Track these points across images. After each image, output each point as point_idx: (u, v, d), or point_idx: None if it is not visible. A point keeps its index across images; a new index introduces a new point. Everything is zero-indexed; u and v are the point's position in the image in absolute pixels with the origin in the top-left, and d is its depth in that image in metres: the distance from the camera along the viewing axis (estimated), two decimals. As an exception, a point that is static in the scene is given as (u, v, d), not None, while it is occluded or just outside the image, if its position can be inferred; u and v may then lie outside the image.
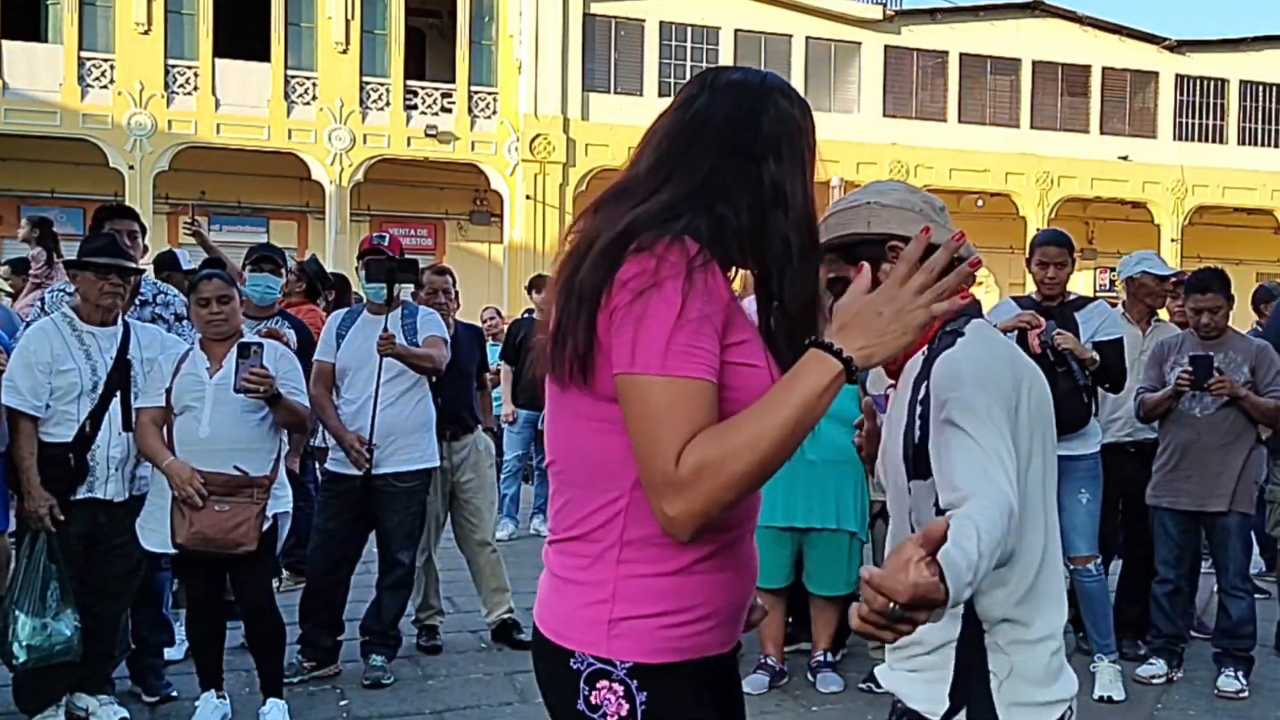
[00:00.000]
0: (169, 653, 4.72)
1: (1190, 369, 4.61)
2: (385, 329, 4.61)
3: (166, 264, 6.13)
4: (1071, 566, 4.78)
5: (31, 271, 6.92)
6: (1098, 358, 4.53)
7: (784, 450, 1.38)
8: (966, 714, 1.68)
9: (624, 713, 1.50)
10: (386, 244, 4.99)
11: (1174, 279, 5.51)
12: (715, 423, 1.40)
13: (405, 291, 5.06)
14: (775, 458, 1.38)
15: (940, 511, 1.58)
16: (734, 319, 1.49)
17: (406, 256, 5.01)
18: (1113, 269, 27.18)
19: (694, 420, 1.39)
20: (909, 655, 1.80)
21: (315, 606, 4.79)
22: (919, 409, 1.69)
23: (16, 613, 3.78)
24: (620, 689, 1.50)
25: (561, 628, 1.54)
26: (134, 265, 4.20)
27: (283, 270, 5.71)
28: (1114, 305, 5.30)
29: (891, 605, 1.21)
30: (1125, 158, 25.19)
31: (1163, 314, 5.78)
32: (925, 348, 1.74)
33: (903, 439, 1.75)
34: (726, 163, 1.55)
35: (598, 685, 1.51)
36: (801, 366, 1.39)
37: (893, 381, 1.85)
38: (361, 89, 21.96)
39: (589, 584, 1.52)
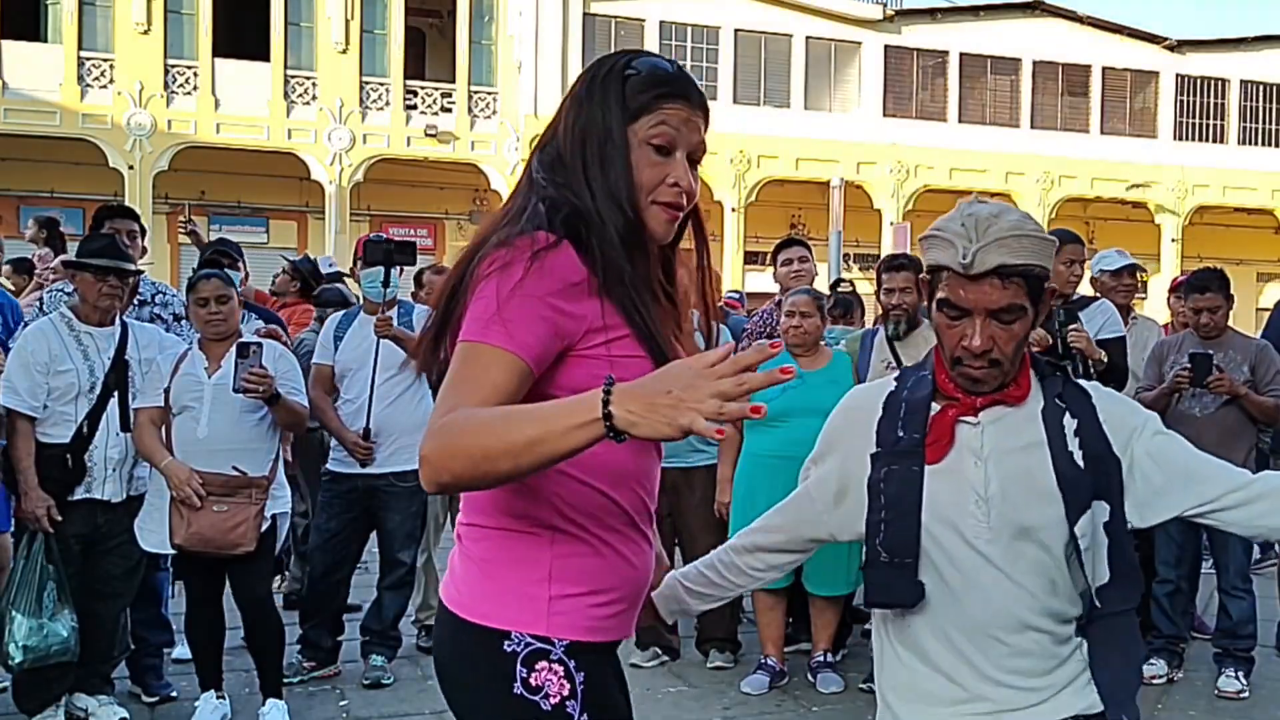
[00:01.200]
0: (176, 651, 4.72)
1: (1189, 366, 4.60)
2: (382, 311, 4.59)
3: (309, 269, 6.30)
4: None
5: (38, 271, 6.91)
6: (1105, 357, 4.53)
7: (507, 458, 1.31)
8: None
9: (565, 693, 1.50)
10: (383, 283, 5.01)
11: (1127, 270, 5.51)
12: (512, 394, 1.41)
13: (404, 291, 5.06)
14: (497, 460, 1.31)
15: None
16: (602, 306, 1.49)
17: (404, 239, 5.01)
18: (1113, 269, 27.28)
19: (482, 385, 1.39)
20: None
21: (315, 606, 4.78)
22: (1074, 440, 1.72)
23: (13, 613, 3.77)
24: (560, 669, 1.51)
25: (492, 609, 1.52)
26: (133, 267, 4.19)
27: (239, 264, 5.67)
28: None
29: None
30: (1137, 186, 25.19)
31: (1165, 315, 5.79)
32: (1033, 387, 1.78)
33: (1053, 469, 1.72)
34: (575, 159, 1.56)
35: (537, 666, 1.51)
36: (581, 396, 1.30)
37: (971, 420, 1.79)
38: (361, 89, 21.96)
39: (525, 563, 1.52)
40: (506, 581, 1.52)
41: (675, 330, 1.59)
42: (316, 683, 4.69)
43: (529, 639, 1.51)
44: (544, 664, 1.51)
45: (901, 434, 1.76)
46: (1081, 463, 1.72)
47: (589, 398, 1.28)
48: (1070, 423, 1.74)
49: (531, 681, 1.50)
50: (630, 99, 1.55)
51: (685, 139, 1.57)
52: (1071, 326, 4.51)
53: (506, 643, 1.51)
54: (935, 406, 1.78)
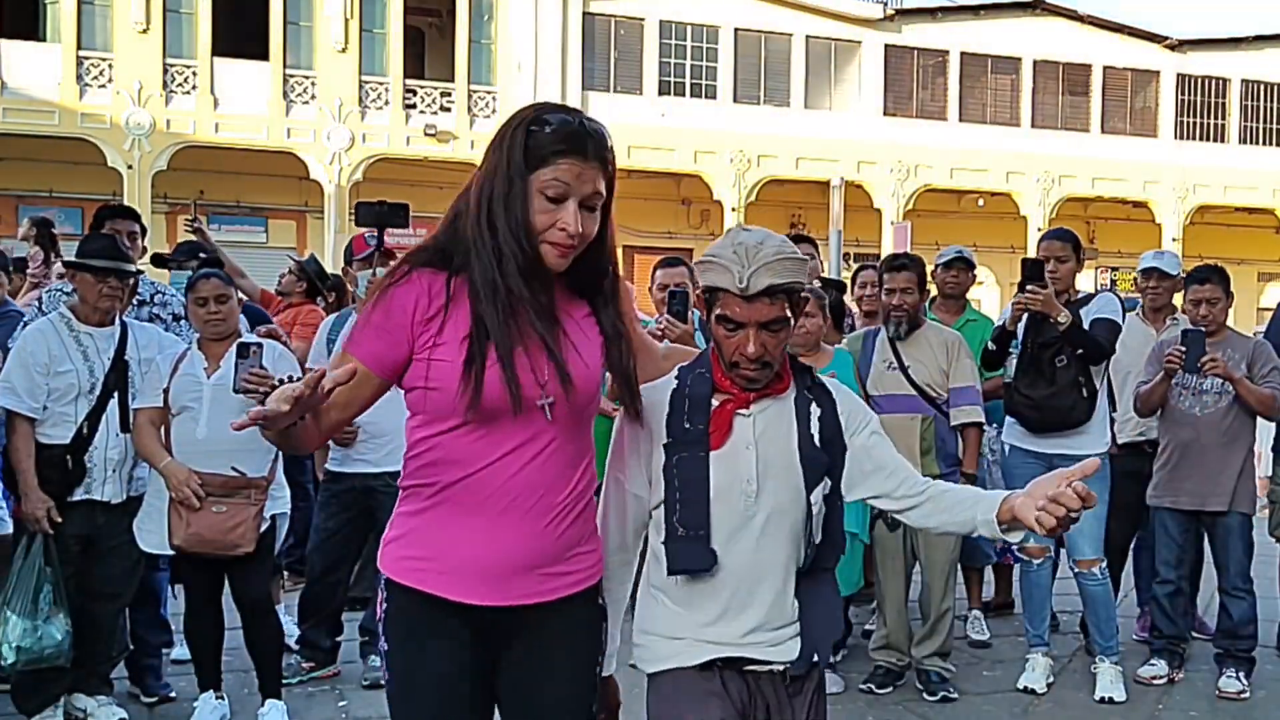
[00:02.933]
0: (175, 652, 4.71)
1: (1182, 347, 4.55)
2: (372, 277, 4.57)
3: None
4: (1076, 569, 4.77)
5: (30, 271, 6.91)
6: (1069, 316, 4.50)
7: None
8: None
9: (383, 609, 1.98)
10: (376, 245, 4.98)
11: (1155, 274, 5.42)
12: (346, 390, 1.83)
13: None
14: None
15: None
16: (444, 320, 1.86)
17: (397, 202, 5.03)
18: (1114, 268, 27.26)
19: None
20: None
21: (314, 607, 4.77)
22: (816, 424, 2.11)
23: (8, 613, 3.76)
24: (383, 593, 1.98)
25: None
26: (133, 268, 4.18)
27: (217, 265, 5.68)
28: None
29: None
30: (1139, 204, 25.19)
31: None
32: (792, 381, 2.14)
33: (797, 449, 2.10)
34: (482, 199, 1.90)
35: (379, 590, 2.00)
36: None
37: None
38: (361, 88, 21.96)
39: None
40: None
41: (550, 342, 1.88)
42: (316, 683, 4.68)
43: (380, 568, 2.00)
44: (380, 590, 1.99)
45: (689, 425, 2.06)
46: (819, 443, 2.09)
47: None
48: (815, 410, 2.10)
49: (378, 598, 2.01)
50: (531, 152, 1.84)
51: (577, 190, 1.85)
52: (1029, 286, 4.49)
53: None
54: (715, 401, 2.08)
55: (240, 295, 5.45)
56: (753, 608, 2.08)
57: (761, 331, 2.02)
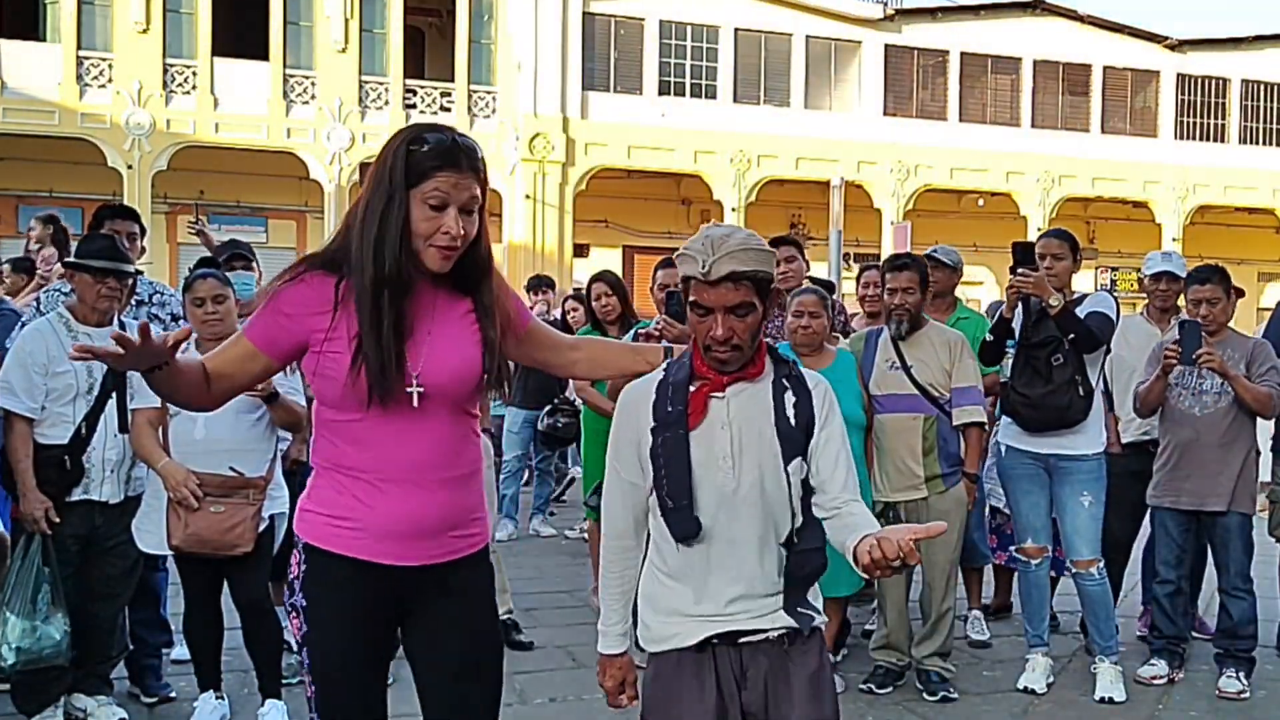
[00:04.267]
0: (175, 652, 4.71)
1: (1179, 340, 4.54)
2: None
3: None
4: (1073, 570, 4.76)
5: (40, 271, 6.89)
6: (1060, 300, 4.50)
7: None
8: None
9: (298, 572, 2.25)
10: None
11: (1166, 276, 5.42)
12: (234, 361, 2.20)
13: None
14: None
15: None
16: (334, 319, 2.13)
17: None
18: (1114, 268, 27.27)
19: (223, 354, 2.21)
20: None
21: None
22: (791, 409, 2.26)
23: (7, 614, 3.76)
24: (300, 556, 2.24)
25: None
26: (132, 269, 4.18)
27: (254, 265, 5.68)
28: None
29: None
30: (1139, 204, 25.13)
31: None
32: (767, 367, 2.29)
33: (775, 426, 2.26)
34: (369, 211, 2.16)
35: (295, 552, 2.26)
36: None
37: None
38: (361, 88, 21.95)
39: (309, 489, 2.26)
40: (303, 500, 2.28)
41: (422, 337, 2.17)
42: (315, 683, 4.66)
43: (296, 534, 2.26)
44: (295, 553, 2.25)
45: (670, 408, 2.23)
46: (793, 423, 2.24)
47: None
48: (790, 398, 2.26)
49: (292, 559, 2.26)
50: (412, 168, 2.09)
51: (456, 198, 2.12)
52: (1020, 270, 4.49)
53: (295, 537, 2.27)
54: (693, 386, 2.25)
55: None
56: (737, 577, 2.23)
57: (729, 316, 2.17)
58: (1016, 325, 4.74)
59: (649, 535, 2.33)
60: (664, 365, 2.34)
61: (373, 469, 2.17)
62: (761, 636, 2.25)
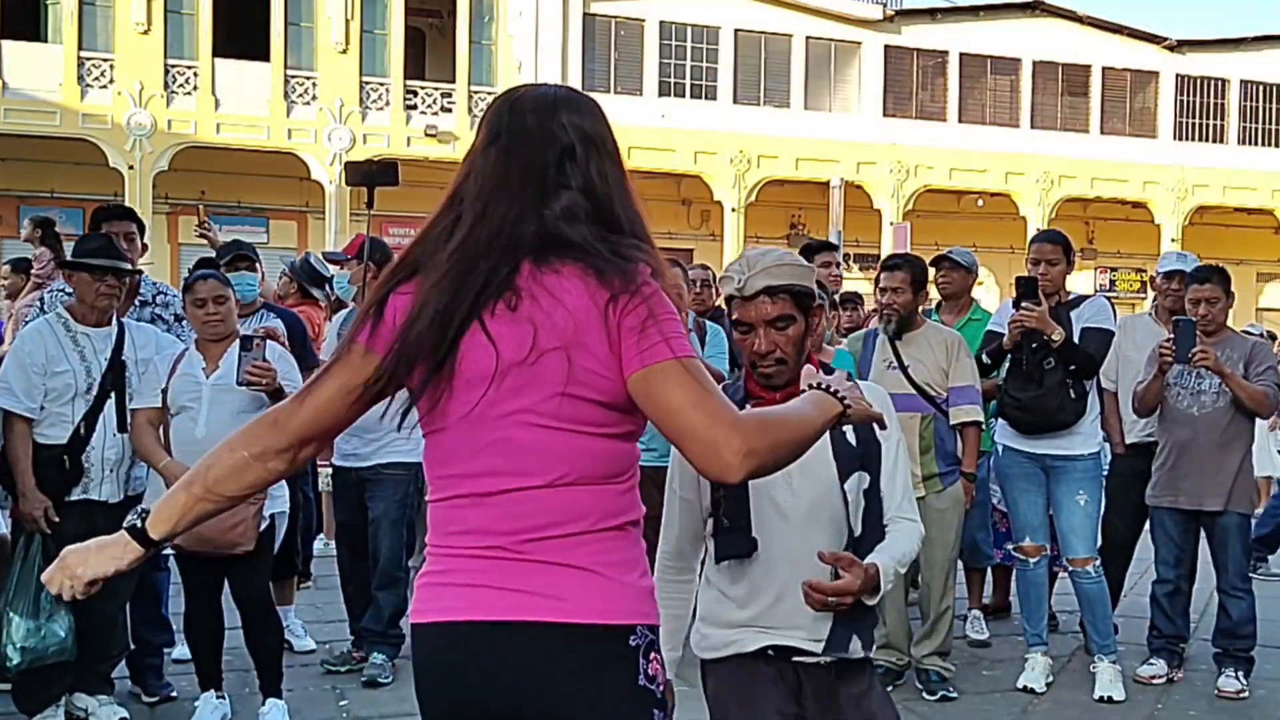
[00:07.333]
0: (176, 651, 4.72)
1: (1174, 339, 4.54)
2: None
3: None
4: (1070, 568, 4.77)
5: (34, 271, 6.92)
6: (1063, 334, 4.51)
7: (805, 447, 1.70)
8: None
9: (663, 676, 1.66)
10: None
11: (1177, 276, 5.42)
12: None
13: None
14: (801, 449, 1.70)
15: None
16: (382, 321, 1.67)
17: (386, 160, 5.06)
18: (1113, 269, 27.26)
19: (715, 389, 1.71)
20: None
21: (353, 597, 4.91)
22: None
23: (11, 614, 3.77)
24: (659, 655, 1.65)
25: (617, 607, 1.60)
26: (131, 267, 4.18)
27: (256, 265, 5.70)
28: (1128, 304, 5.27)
29: None
30: (1138, 205, 25.12)
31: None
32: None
33: (830, 443, 2.27)
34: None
35: (651, 656, 1.63)
36: (811, 396, 1.74)
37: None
38: (361, 89, 21.95)
39: (632, 559, 1.64)
40: (623, 579, 1.62)
41: None
42: (316, 683, 4.69)
43: (647, 631, 1.63)
44: (654, 654, 1.64)
45: None
46: (853, 441, 2.28)
47: (819, 396, 1.71)
48: None
49: (649, 671, 1.62)
50: None
51: None
52: (1024, 304, 4.50)
53: (632, 638, 1.60)
54: (749, 406, 2.20)
55: (260, 295, 5.57)
56: (795, 596, 2.22)
57: (769, 329, 2.23)
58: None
59: (703, 560, 2.37)
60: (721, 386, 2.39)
61: None
62: (813, 660, 2.29)
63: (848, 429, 2.25)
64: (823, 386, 1.74)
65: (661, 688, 1.64)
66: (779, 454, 1.57)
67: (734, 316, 2.28)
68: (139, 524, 1.66)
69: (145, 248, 4.95)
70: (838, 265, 5.73)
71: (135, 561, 1.66)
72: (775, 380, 2.27)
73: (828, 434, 2.11)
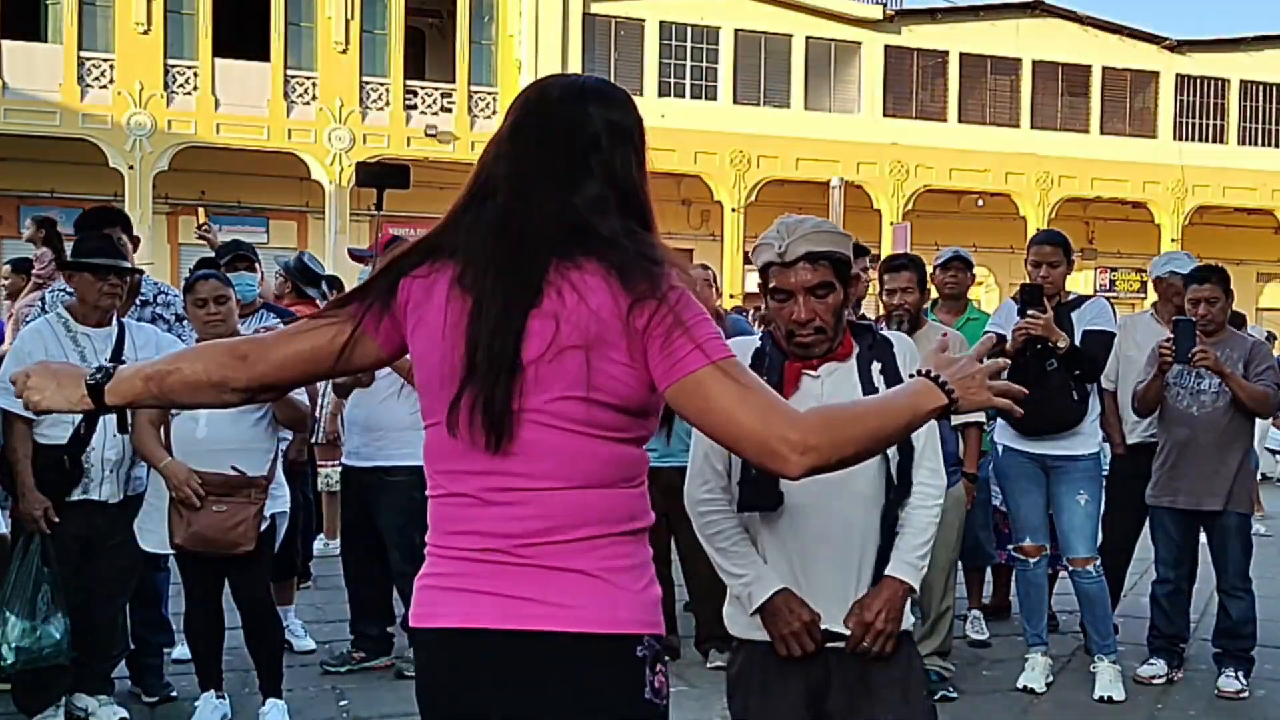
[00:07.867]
0: (176, 651, 4.72)
1: (1174, 339, 4.54)
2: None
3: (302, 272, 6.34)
4: (1070, 568, 4.77)
5: (35, 271, 6.91)
6: (1066, 341, 4.51)
7: (880, 444, 1.67)
8: None
9: (667, 689, 1.61)
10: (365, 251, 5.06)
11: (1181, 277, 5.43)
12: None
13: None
14: (877, 445, 1.66)
15: None
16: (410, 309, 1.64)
17: (397, 163, 5.03)
18: (1113, 269, 27.26)
19: (764, 386, 1.66)
20: None
21: (356, 596, 4.91)
22: (879, 378, 2.25)
23: (7, 614, 3.76)
24: (665, 667, 1.60)
25: (626, 616, 1.55)
26: (132, 266, 4.19)
27: (256, 265, 5.69)
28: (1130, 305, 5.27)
29: None
30: (1138, 205, 25.11)
31: None
32: (855, 347, 2.28)
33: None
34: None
35: (657, 669, 1.57)
36: (909, 386, 1.63)
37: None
38: (361, 89, 21.95)
39: (639, 566, 1.58)
40: (631, 587, 1.56)
41: None
42: (316, 683, 4.68)
43: (654, 641, 1.57)
44: (660, 666, 1.58)
45: (765, 378, 2.11)
46: (881, 387, 2.20)
47: (921, 386, 1.59)
48: (876, 365, 2.25)
49: (655, 684, 1.57)
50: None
51: None
52: (1029, 312, 4.49)
53: (639, 648, 1.55)
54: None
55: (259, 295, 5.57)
56: (823, 558, 2.21)
57: (809, 297, 2.15)
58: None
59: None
60: (758, 335, 2.34)
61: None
62: (844, 642, 2.25)
63: (876, 373, 2.23)
64: (929, 374, 1.61)
65: (666, 702, 1.58)
66: (844, 451, 1.51)
67: (771, 284, 2.19)
68: (100, 383, 1.65)
69: (137, 241, 4.92)
70: (865, 270, 5.49)
71: (82, 412, 1.70)
72: (814, 350, 2.20)
73: (858, 380, 2.20)
